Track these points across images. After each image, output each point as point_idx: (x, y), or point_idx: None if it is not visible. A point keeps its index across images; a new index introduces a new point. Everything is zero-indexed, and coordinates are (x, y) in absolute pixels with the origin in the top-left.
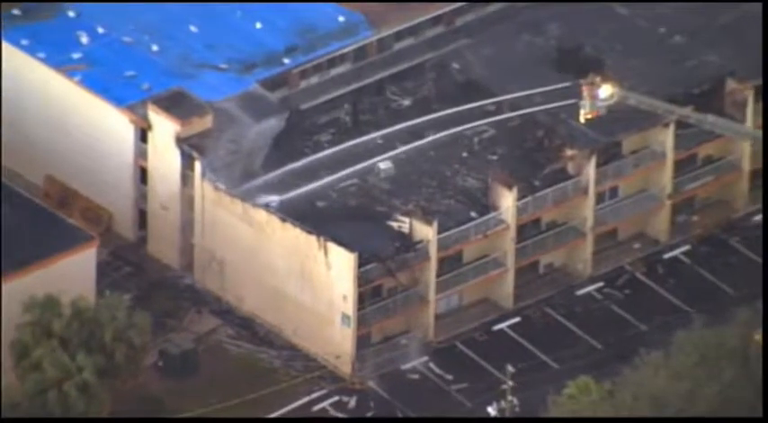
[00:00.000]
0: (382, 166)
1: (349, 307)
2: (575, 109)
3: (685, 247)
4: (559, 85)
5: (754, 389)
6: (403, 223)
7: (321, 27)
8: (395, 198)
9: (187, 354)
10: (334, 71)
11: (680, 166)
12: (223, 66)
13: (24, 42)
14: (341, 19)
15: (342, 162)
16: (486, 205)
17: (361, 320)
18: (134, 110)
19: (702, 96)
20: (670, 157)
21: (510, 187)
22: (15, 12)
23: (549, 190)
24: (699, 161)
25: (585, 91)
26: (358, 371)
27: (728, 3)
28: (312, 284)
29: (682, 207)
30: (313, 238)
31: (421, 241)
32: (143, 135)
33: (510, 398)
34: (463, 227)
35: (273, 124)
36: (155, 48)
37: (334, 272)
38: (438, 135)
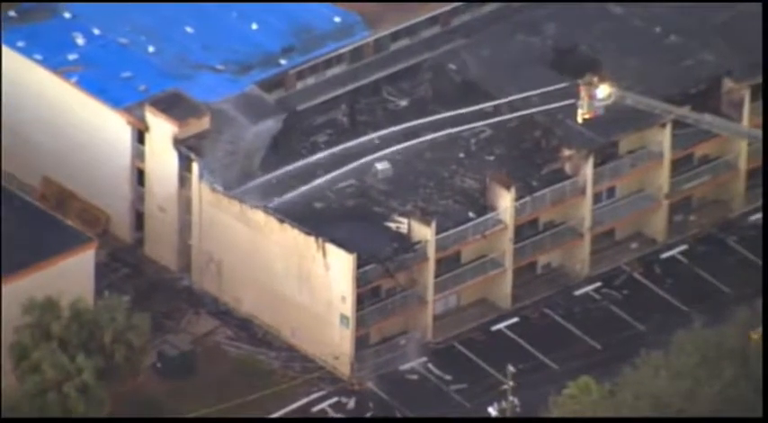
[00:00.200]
0: (380, 166)
1: (348, 308)
2: (572, 109)
3: (683, 247)
4: (557, 87)
5: (754, 388)
6: (401, 224)
7: (317, 28)
8: (392, 199)
9: (185, 355)
10: (331, 72)
11: (677, 166)
12: (219, 67)
13: (20, 44)
14: (337, 19)
15: (339, 163)
16: (483, 206)
17: (360, 321)
18: (131, 111)
19: (699, 96)
20: (667, 156)
21: (508, 187)
22: (11, 13)
23: (546, 190)
24: (695, 161)
25: (583, 91)
26: (357, 372)
27: (723, 2)
28: (310, 285)
29: (679, 207)
30: (311, 239)
31: (419, 242)
32: (140, 136)
33: (511, 398)
34: (461, 227)
35: (271, 125)
36: (151, 49)
37: (333, 273)
38: (435, 135)
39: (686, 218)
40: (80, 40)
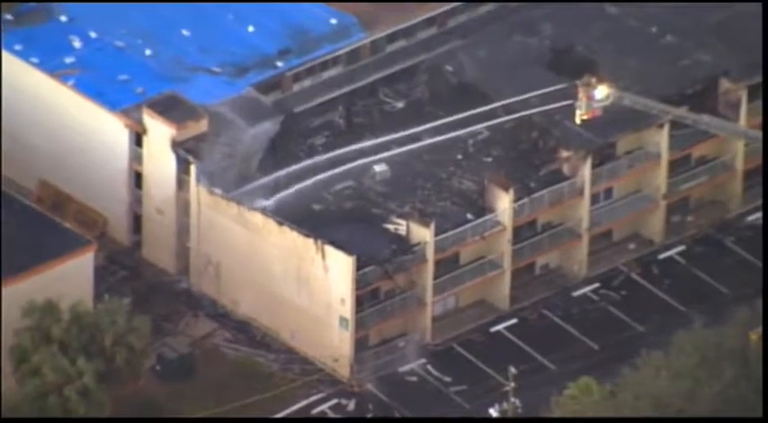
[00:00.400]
0: (377, 168)
1: (347, 310)
2: (569, 110)
3: (680, 248)
4: (554, 88)
5: (754, 389)
6: (399, 225)
7: (313, 30)
8: (391, 200)
9: (184, 358)
10: (327, 74)
11: (674, 167)
12: (216, 69)
13: (17, 47)
14: (333, 21)
15: (337, 165)
16: (482, 207)
17: (359, 323)
18: (128, 114)
19: (696, 96)
20: (664, 157)
21: (506, 189)
22: (8, 17)
23: (544, 191)
24: (692, 161)
25: (581, 92)
26: (356, 374)
27: (720, 2)
28: (309, 287)
29: (676, 207)
30: (310, 242)
31: (418, 243)
32: (137, 139)
33: (512, 399)
34: (460, 229)
35: (268, 128)
36: (148, 52)
37: (332, 275)
38: (433, 141)
39: (683, 218)
40: (77, 44)
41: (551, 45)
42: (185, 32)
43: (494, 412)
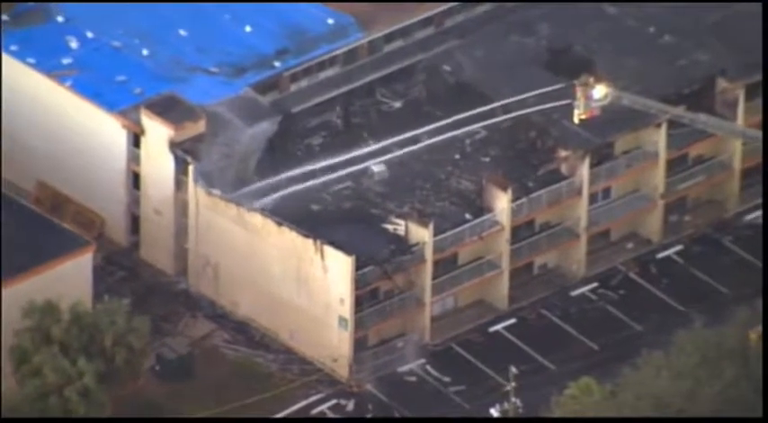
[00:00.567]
0: (376, 168)
1: (346, 310)
2: (567, 110)
3: (678, 247)
4: (552, 87)
5: (754, 388)
6: (398, 226)
7: (311, 30)
8: (389, 201)
9: (183, 358)
10: (325, 74)
11: (671, 166)
12: (214, 69)
13: (14, 48)
14: (330, 21)
15: (335, 165)
16: (480, 207)
17: (359, 323)
18: (126, 114)
19: (693, 96)
20: (662, 157)
21: (505, 189)
22: (5, 18)
23: (543, 191)
24: (690, 161)
25: (579, 91)
26: (355, 374)
27: (717, 2)
28: (308, 288)
29: (674, 207)
30: (309, 242)
31: (417, 244)
32: (135, 140)
33: (513, 399)
34: (459, 229)
35: (266, 128)
36: (145, 52)
37: (331, 275)
38: (431, 141)
39: (681, 218)
40: (74, 44)
41: (549, 45)
42: (182, 33)
43: (495, 412)
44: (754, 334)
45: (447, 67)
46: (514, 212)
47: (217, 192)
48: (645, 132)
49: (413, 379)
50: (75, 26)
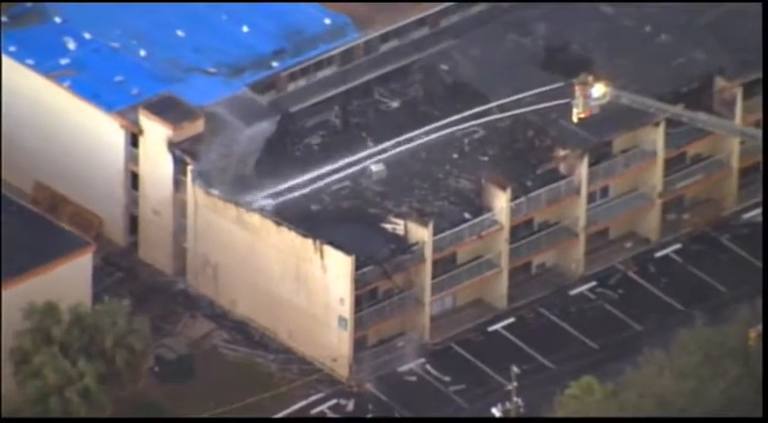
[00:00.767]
0: (374, 168)
1: (346, 310)
2: (565, 109)
3: (676, 246)
4: (550, 87)
5: (757, 387)
6: (397, 225)
7: (308, 30)
8: (388, 200)
9: (183, 359)
10: (322, 74)
11: (669, 165)
12: (211, 70)
13: (12, 49)
14: (327, 21)
15: (333, 165)
16: (478, 206)
17: (358, 323)
18: (124, 115)
19: (691, 95)
20: (660, 155)
21: (504, 188)
22: (2, 18)
23: (542, 190)
24: (688, 160)
25: (578, 90)
26: (355, 373)
27: (714, 1)
28: (308, 288)
29: (672, 206)
30: (309, 242)
31: (416, 243)
32: (134, 140)
33: (515, 399)
34: (458, 228)
35: (264, 128)
36: (142, 53)
37: (331, 275)
38: (429, 138)
39: (679, 217)
40: (71, 45)
41: (546, 44)
42: (180, 33)
43: (496, 412)
44: (754, 332)
45: (444, 67)
46: (513, 212)
47: (216, 192)
48: (643, 131)
49: (413, 378)
50: (72, 27)
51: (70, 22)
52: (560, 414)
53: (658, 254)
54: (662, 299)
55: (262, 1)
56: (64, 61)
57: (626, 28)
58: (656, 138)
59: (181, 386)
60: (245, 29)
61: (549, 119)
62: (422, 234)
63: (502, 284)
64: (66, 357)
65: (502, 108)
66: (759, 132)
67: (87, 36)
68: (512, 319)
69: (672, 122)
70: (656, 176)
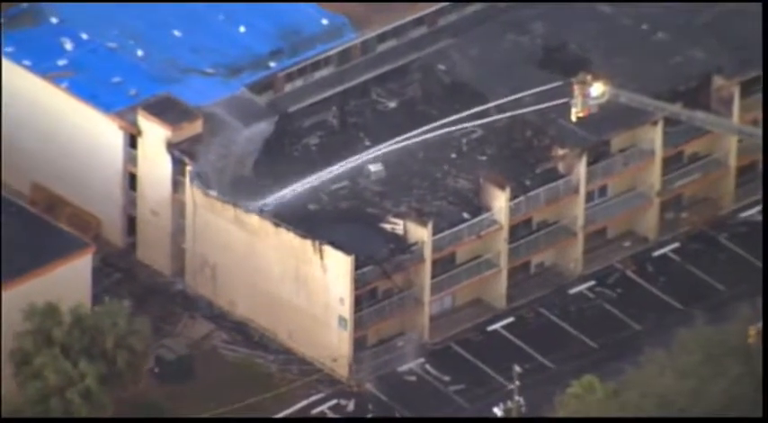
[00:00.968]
0: (372, 168)
1: (346, 310)
2: (563, 108)
3: (675, 245)
4: (548, 86)
5: (758, 385)
6: (396, 225)
7: (305, 30)
8: (386, 200)
9: (182, 359)
10: (319, 74)
11: (667, 164)
12: (209, 70)
13: (9, 50)
14: (324, 22)
15: (331, 164)
16: (477, 206)
17: (358, 323)
18: (122, 116)
19: (689, 93)
20: (658, 154)
21: (503, 187)
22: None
23: (540, 189)
24: (685, 159)
25: (577, 89)
26: (355, 373)
27: (712, 1)
28: (307, 288)
29: (670, 204)
30: (308, 243)
31: (416, 243)
32: (132, 141)
33: (517, 398)
34: (457, 228)
35: (263, 128)
36: (140, 53)
37: (331, 275)
38: (427, 136)
39: (677, 215)
40: (68, 46)
41: (544, 44)
42: (177, 33)
43: (498, 411)
44: (753, 330)
45: (442, 67)
46: (512, 211)
47: (214, 193)
48: (641, 130)
49: (412, 378)
50: (69, 27)
51: (67, 22)
52: (562, 413)
53: (656, 253)
54: (660, 298)
55: (259, 1)
56: (61, 62)
57: (623, 27)
58: (655, 137)
59: (181, 387)
60: (242, 29)
61: (547, 118)
62: (421, 234)
63: (501, 284)
64: (67, 358)
65: (500, 107)
66: (757, 130)
67: (84, 37)
68: (511, 319)
69: (670, 121)
70: (654, 175)
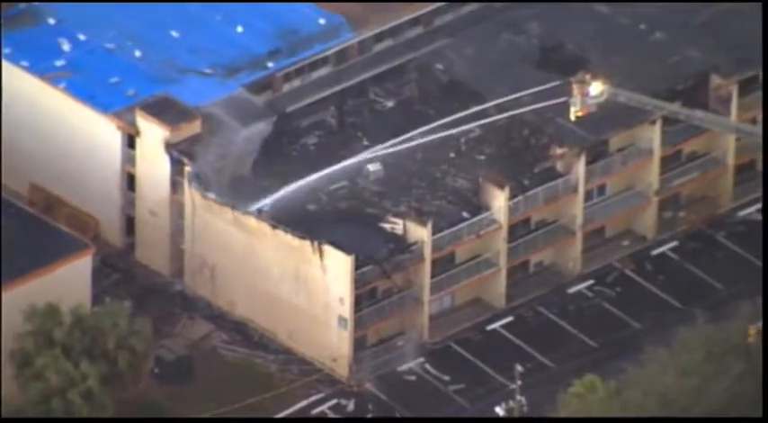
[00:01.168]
0: (371, 167)
1: (346, 309)
2: (561, 107)
3: (673, 244)
4: (546, 86)
5: (759, 384)
6: (395, 225)
7: (302, 30)
8: (386, 200)
9: (182, 360)
10: (317, 74)
11: (665, 163)
12: (207, 70)
13: (6, 51)
14: (321, 21)
15: (330, 164)
16: (476, 205)
17: (358, 323)
18: (121, 116)
19: (687, 92)
20: (657, 153)
21: (502, 187)
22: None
23: (539, 189)
24: (683, 157)
25: (576, 88)
26: (355, 373)
27: (715, 1)
28: (307, 288)
29: (668, 203)
30: (306, 243)
31: (415, 242)
32: (130, 141)
33: (519, 397)
34: (457, 227)
35: (261, 128)
36: (137, 54)
37: (331, 275)
38: (426, 139)
39: (675, 214)
40: (66, 46)
41: (540, 43)
42: (174, 34)
43: (500, 411)
44: (753, 329)
45: (439, 66)
46: (511, 210)
47: (212, 195)
48: (639, 129)
49: (412, 378)
50: (66, 28)
51: (64, 23)
52: (563, 413)
53: (655, 252)
54: (659, 296)
55: (256, 1)
56: (59, 63)
57: (620, 26)
58: (653, 136)
59: (181, 387)
60: (239, 29)
61: (545, 117)
62: (421, 233)
63: (500, 283)
64: (68, 359)
65: (498, 107)
66: (756, 129)
67: (82, 37)
68: (510, 318)
69: (668, 120)
70: (652, 174)
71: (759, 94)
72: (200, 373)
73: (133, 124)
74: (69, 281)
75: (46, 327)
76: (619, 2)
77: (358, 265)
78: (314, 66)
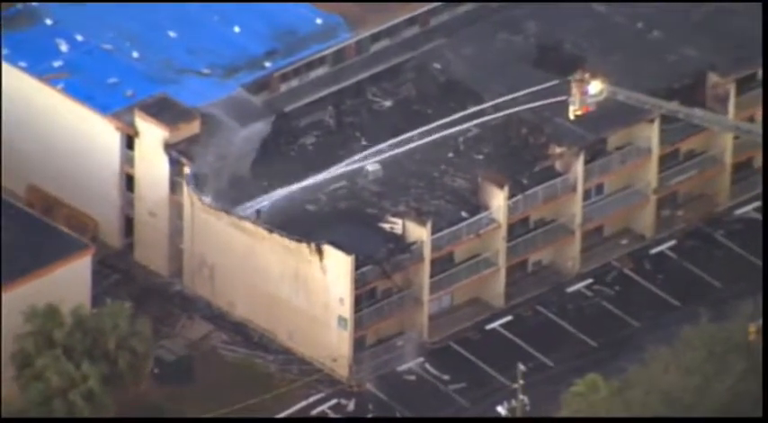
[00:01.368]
0: (370, 167)
1: (346, 310)
2: (559, 106)
3: (671, 242)
4: (544, 85)
5: (761, 382)
6: (395, 225)
7: (300, 30)
8: (385, 200)
9: (182, 360)
10: (314, 74)
11: (663, 162)
12: (205, 71)
13: (4, 52)
14: (319, 21)
15: (329, 164)
16: (475, 205)
17: (357, 323)
18: (119, 117)
19: (684, 91)
20: (655, 152)
21: (501, 186)
22: None
23: (538, 188)
24: (681, 156)
25: (575, 87)
26: (355, 373)
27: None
28: (307, 288)
29: (666, 202)
30: (303, 246)
31: (415, 242)
32: (129, 142)
33: (522, 397)
34: (456, 227)
35: (260, 128)
36: (135, 54)
37: (330, 275)
38: (425, 141)
39: (673, 213)
40: (64, 47)
41: (537, 42)
42: (172, 34)
43: (502, 410)
44: (753, 327)
45: (437, 66)
46: (510, 210)
47: (208, 199)
48: (637, 128)
49: (412, 377)
50: (64, 29)
51: (62, 23)
52: (565, 412)
53: (653, 250)
54: (658, 295)
55: (254, 1)
56: (57, 63)
57: (618, 25)
58: (651, 134)
59: (181, 388)
60: (237, 30)
61: (543, 116)
62: (420, 233)
63: (499, 283)
64: (69, 360)
65: (496, 106)
66: (755, 127)
67: (79, 38)
68: (509, 318)
69: (666, 119)
70: (650, 173)
71: (756, 92)
72: (200, 373)
73: (132, 125)
74: (69, 281)
75: (46, 327)
76: (616, 1)
77: (358, 266)
78: (311, 66)
